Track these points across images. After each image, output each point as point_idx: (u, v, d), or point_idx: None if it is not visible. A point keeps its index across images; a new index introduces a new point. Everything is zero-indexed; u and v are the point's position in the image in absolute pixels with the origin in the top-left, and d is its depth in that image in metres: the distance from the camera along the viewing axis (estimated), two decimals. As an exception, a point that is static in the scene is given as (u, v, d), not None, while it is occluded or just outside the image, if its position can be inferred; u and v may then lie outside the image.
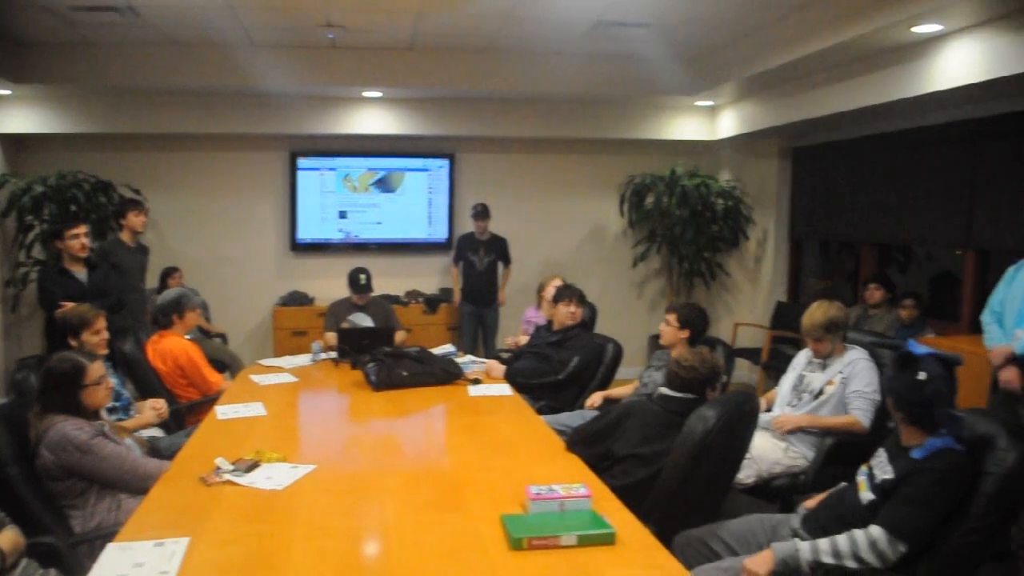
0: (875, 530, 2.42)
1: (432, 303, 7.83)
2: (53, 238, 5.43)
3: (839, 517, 2.61)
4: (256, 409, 3.85)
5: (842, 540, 2.46)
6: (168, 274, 7.03)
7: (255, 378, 4.62)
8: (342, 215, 8.02)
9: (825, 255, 8.12)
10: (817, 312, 3.88)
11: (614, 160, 8.28)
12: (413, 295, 7.94)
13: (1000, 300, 4.08)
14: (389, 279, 7.74)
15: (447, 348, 5.39)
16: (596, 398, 4.52)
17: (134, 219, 5.82)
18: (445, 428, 3.99)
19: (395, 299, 7.62)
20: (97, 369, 3.06)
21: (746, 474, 3.67)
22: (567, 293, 4.98)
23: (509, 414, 3.94)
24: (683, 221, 7.58)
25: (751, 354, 7.39)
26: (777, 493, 3.78)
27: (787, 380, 4.09)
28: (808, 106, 6.14)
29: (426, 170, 8.12)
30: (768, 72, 5.94)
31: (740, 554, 2.65)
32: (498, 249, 7.49)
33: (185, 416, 4.38)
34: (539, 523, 2.34)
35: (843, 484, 2.81)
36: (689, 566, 2.23)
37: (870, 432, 3.64)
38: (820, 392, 3.84)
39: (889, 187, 6.33)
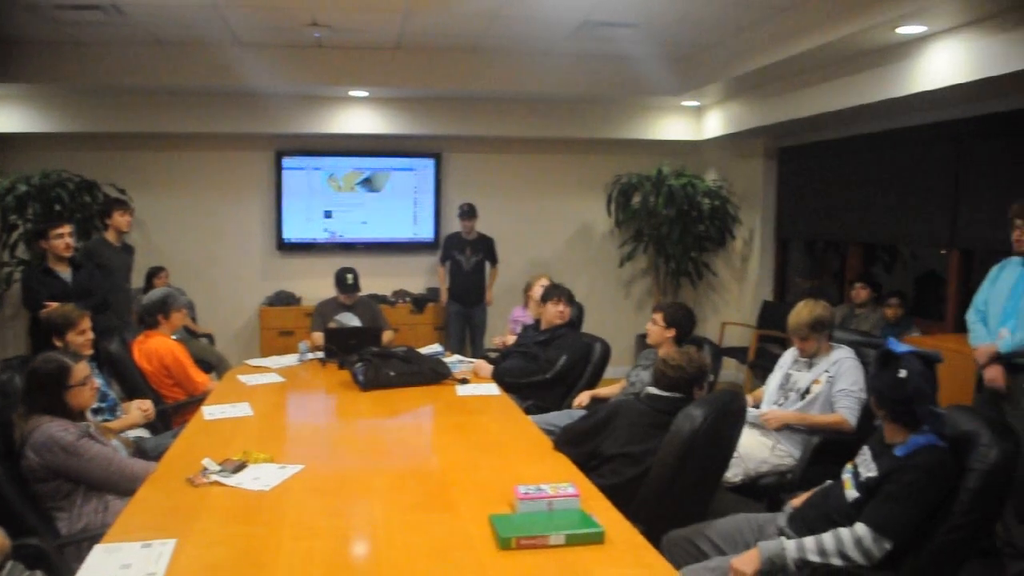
0: (860, 528, 2.44)
1: (419, 303, 7.82)
2: (37, 238, 5.39)
3: (825, 515, 2.62)
4: (243, 409, 3.83)
5: (828, 538, 2.47)
6: (154, 274, 6.99)
7: (242, 378, 4.61)
8: (328, 215, 8.00)
9: (811, 254, 8.16)
10: (803, 311, 3.89)
11: (601, 160, 8.29)
12: (400, 295, 7.93)
13: (984, 299, 4.11)
14: (376, 279, 7.72)
15: (435, 348, 5.38)
16: (584, 397, 4.52)
17: (119, 219, 5.79)
18: (433, 428, 3.98)
19: (382, 299, 7.61)
20: (82, 370, 3.04)
21: (733, 472, 3.69)
22: (555, 292, 4.99)
23: (497, 414, 3.94)
24: (670, 221, 7.60)
25: (738, 353, 7.42)
26: (764, 492, 3.79)
27: (774, 379, 4.11)
28: (794, 106, 6.17)
29: (412, 170, 8.11)
30: (754, 72, 5.97)
31: (727, 553, 2.66)
32: (485, 249, 7.49)
33: (171, 417, 4.36)
34: (527, 523, 2.34)
35: (829, 482, 2.82)
36: (677, 566, 2.23)
37: (857, 430, 3.66)
38: (807, 391, 3.85)
39: (874, 187, 6.37)
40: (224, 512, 2.54)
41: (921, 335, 5.58)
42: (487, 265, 7.55)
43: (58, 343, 3.82)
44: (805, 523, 2.67)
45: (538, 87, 7.06)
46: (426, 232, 8.18)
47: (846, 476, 2.69)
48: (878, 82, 5.21)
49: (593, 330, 5.17)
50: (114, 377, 4.44)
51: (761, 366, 6.63)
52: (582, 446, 3.16)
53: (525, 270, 7.57)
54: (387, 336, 5.68)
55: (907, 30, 4.65)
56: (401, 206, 8.14)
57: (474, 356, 6.17)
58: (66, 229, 5.14)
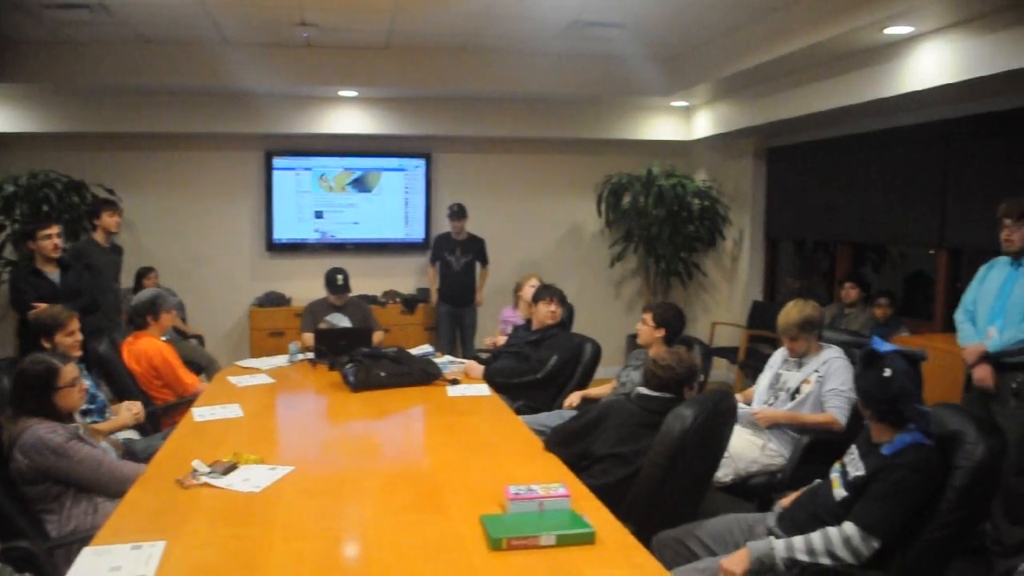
0: (848, 527, 2.45)
1: (410, 303, 7.81)
2: (25, 238, 5.37)
3: (813, 515, 2.64)
4: (233, 411, 3.82)
5: (816, 537, 2.48)
6: (143, 274, 6.96)
7: (232, 379, 4.59)
8: (318, 215, 7.98)
9: (801, 254, 8.18)
10: (793, 311, 3.91)
11: (591, 160, 8.30)
12: (391, 295, 7.92)
13: (973, 299, 4.14)
14: (366, 279, 7.71)
15: (425, 348, 5.38)
16: (574, 398, 4.52)
17: (108, 219, 5.76)
18: (424, 429, 3.98)
19: (373, 299, 7.60)
20: (71, 371, 3.03)
21: (724, 472, 3.70)
22: (547, 292, 5.00)
23: (488, 414, 3.94)
24: (660, 221, 7.61)
25: (728, 353, 7.44)
26: (755, 491, 3.80)
27: (764, 378, 4.12)
28: (782, 107, 6.20)
29: (402, 170, 8.10)
30: (743, 73, 5.99)
31: (717, 554, 2.67)
32: (475, 249, 7.49)
33: (161, 418, 4.35)
34: (518, 523, 2.34)
35: (817, 481, 2.83)
36: (667, 566, 2.24)
37: (847, 430, 3.67)
38: (796, 391, 3.87)
39: (863, 187, 6.40)
40: (214, 514, 2.54)
41: (910, 335, 5.60)
42: (477, 266, 7.54)
43: (46, 344, 3.80)
44: (794, 523, 2.68)
45: (528, 87, 7.07)
46: (417, 232, 8.18)
47: (834, 475, 2.70)
48: (866, 82, 5.24)
49: (583, 330, 5.18)
50: (103, 378, 4.42)
51: (751, 366, 6.65)
52: (573, 446, 3.16)
53: (515, 270, 7.57)
54: (377, 337, 5.67)
55: (895, 31, 4.68)
56: (391, 206, 8.13)
57: (465, 357, 6.17)
58: (54, 230, 5.11)
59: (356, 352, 4.44)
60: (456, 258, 7.39)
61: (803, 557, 2.46)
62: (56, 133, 7.10)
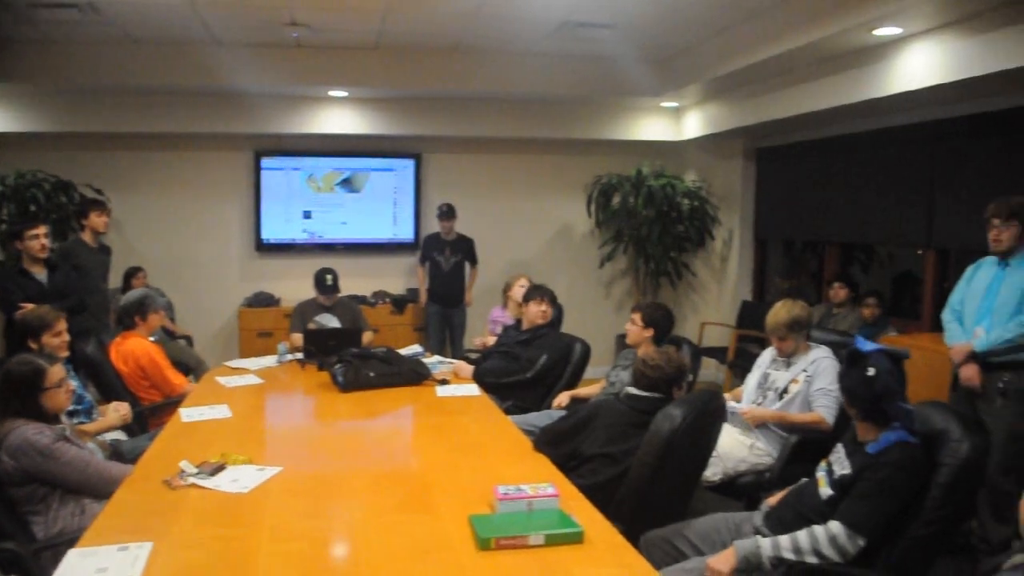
0: (834, 525, 2.46)
1: (399, 303, 7.80)
2: (12, 238, 5.33)
3: (800, 513, 2.65)
4: (221, 411, 3.81)
5: (802, 536, 2.49)
6: (132, 274, 6.93)
7: (220, 380, 4.58)
8: (307, 215, 7.96)
9: (790, 255, 8.21)
10: (781, 311, 3.92)
11: (581, 160, 8.30)
12: (380, 295, 7.91)
13: (960, 299, 4.16)
14: (356, 280, 7.69)
15: (415, 348, 5.38)
16: (563, 398, 4.53)
17: (96, 219, 5.73)
18: (413, 429, 3.98)
19: (362, 299, 7.59)
20: (57, 372, 3.01)
21: (712, 472, 3.71)
22: (538, 292, 5.00)
23: (477, 414, 3.93)
24: (649, 221, 7.62)
25: (717, 353, 7.46)
26: (743, 490, 3.82)
27: (752, 378, 4.13)
28: (772, 107, 6.22)
29: (392, 170, 8.09)
30: (733, 74, 6.00)
31: (705, 553, 2.67)
32: (464, 249, 7.48)
33: (148, 419, 4.33)
34: (507, 523, 2.34)
35: (804, 480, 2.84)
36: (655, 566, 2.24)
37: (835, 429, 3.68)
38: (785, 390, 3.88)
39: (852, 187, 6.42)
40: (202, 514, 2.53)
41: (898, 334, 5.63)
42: (466, 266, 7.54)
43: (33, 345, 3.78)
44: (781, 521, 2.69)
45: (518, 87, 7.07)
46: (406, 233, 8.17)
47: (820, 474, 2.72)
48: (855, 83, 5.26)
49: (573, 330, 5.18)
50: (90, 379, 4.40)
51: (740, 366, 6.66)
52: (562, 446, 3.17)
53: (505, 271, 7.57)
54: (367, 337, 5.66)
55: (884, 32, 4.70)
56: (381, 207, 8.12)
57: (454, 357, 6.16)
58: (41, 230, 5.09)
59: (345, 352, 4.44)
60: (445, 258, 7.39)
61: (789, 556, 2.46)
62: (44, 133, 7.05)
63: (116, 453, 3.44)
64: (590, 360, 4.90)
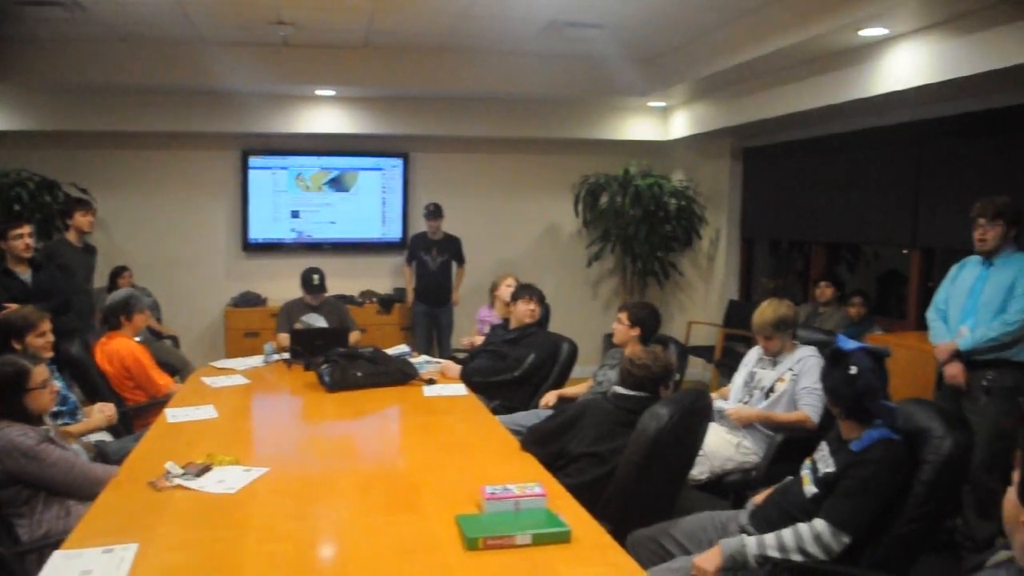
0: (819, 523, 2.47)
1: (387, 303, 7.79)
2: (-4, 238, 5.29)
3: (785, 512, 2.66)
4: (207, 412, 3.80)
5: (787, 534, 2.50)
6: (118, 273, 6.89)
7: (206, 380, 4.56)
8: (295, 215, 7.94)
9: (776, 254, 8.24)
10: (767, 310, 3.94)
11: (568, 160, 8.31)
12: (367, 295, 7.90)
13: (944, 297, 4.18)
14: (343, 279, 7.67)
15: (402, 348, 5.37)
16: (550, 397, 4.53)
17: (81, 219, 5.70)
18: (400, 429, 3.97)
19: (349, 299, 7.57)
20: (41, 373, 2.99)
21: (699, 470, 3.72)
22: (527, 291, 5.00)
23: (464, 414, 3.93)
24: (637, 221, 7.64)
25: (704, 352, 7.48)
26: (730, 489, 3.83)
27: (739, 377, 4.15)
28: (758, 107, 6.24)
29: (380, 169, 8.08)
30: (719, 74, 6.02)
31: (692, 552, 2.68)
32: (452, 249, 7.48)
33: (134, 420, 4.31)
34: (494, 523, 2.34)
35: (789, 479, 2.86)
36: (642, 565, 2.24)
37: (820, 428, 3.70)
38: (771, 389, 3.89)
39: (838, 187, 6.45)
40: (187, 516, 2.52)
41: (883, 333, 5.66)
42: (453, 265, 7.54)
43: (17, 346, 3.74)
44: (766, 520, 2.70)
45: (506, 87, 7.07)
46: (394, 232, 8.16)
47: (805, 472, 2.73)
48: (841, 84, 5.28)
49: (560, 330, 5.18)
50: (75, 380, 4.37)
51: (727, 365, 6.68)
52: (549, 446, 3.17)
53: (492, 270, 7.57)
54: (354, 337, 5.65)
55: (869, 33, 4.72)
56: (369, 206, 8.10)
57: (441, 357, 6.16)
58: (26, 229, 5.05)
59: (332, 352, 4.43)
60: (432, 258, 7.38)
61: (774, 554, 2.47)
62: (28, 131, 7.01)
63: (101, 454, 3.43)
64: (577, 359, 4.90)
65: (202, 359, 6.45)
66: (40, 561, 2.32)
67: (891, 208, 5.89)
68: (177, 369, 6.01)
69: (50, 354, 3.84)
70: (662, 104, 7.74)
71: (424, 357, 5.30)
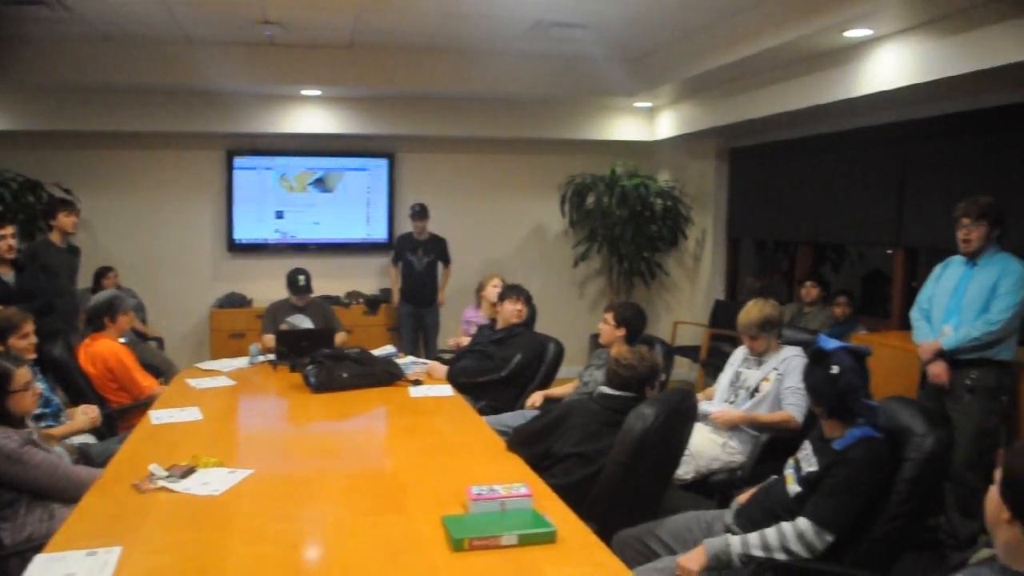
0: (802, 522, 2.49)
1: (373, 304, 7.78)
2: (-22, 239, 5.25)
3: (769, 511, 2.67)
4: (192, 414, 3.77)
5: (771, 533, 2.51)
6: (102, 274, 6.84)
7: (191, 382, 4.54)
8: (279, 215, 7.92)
9: (762, 254, 8.27)
10: (753, 310, 3.95)
11: (555, 160, 8.31)
12: (353, 296, 7.88)
13: (928, 297, 4.21)
14: (329, 280, 7.66)
15: (388, 349, 5.36)
16: (536, 398, 4.53)
17: (64, 219, 5.66)
18: (386, 430, 3.96)
19: (335, 300, 7.56)
20: (23, 374, 2.97)
21: (685, 470, 3.73)
22: (514, 291, 5.01)
23: (450, 415, 3.93)
24: (623, 221, 7.65)
25: (690, 352, 7.50)
26: (715, 488, 3.84)
27: (724, 377, 4.17)
28: (744, 108, 6.26)
29: (365, 170, 8.06)
30: (705, 74, 6.04)
31: (677, 552, 2.69)
32: (437, 249, 7.47)
33: (118, 421, 4.28)
34: (480, 523, 2.34)
35: (773, 478, 2.87)
36: (628, 565, 2.25)
37: (805, 427, 3.72)
38: (756, 389, 3.91)
39: (823, 188, 6.48)
40: (172, 518, 2.50)
41: (868, 333, 5.69)
42: (439, 266, 7.53)
43: (-1, 347, 3.73)
44: (750, 519, 2.71)
45: (492, 87, 7.07)
46: (379, 233, 8.14)
47: (788, 471, 2.74)
48: (826, 84, 5.31)
49: (547, 330, 5.19)
50: (58, 382, 4.34)
51: (713, 365, 6.70)
52: (535, 446, 3.17)
53: (479, 270, 7.56)
54: (340, 338, 5.64)
55: (854, 34, 4.75)
56: (354, 206, 8.08)
57: (427, 357, 6.15)
58: (8, 230, 5.02)
59: (318, 353, 4.41)
60: (418, 258, 7.37)
61: (758, 553, 2.48)
62: (11, 131, 6.95)
63: (85, 456, 3.41)
64: (564, 360, 4.91)
65: (187, 360, 6.43)
66: (23, 565, 2.30)
67: (875, 208, 5.92)
68: (162, 371, 5.97)
69: (33, 356, 3.82)
70: (648, 104, 7.75)
71: (410, 358, 5.29)
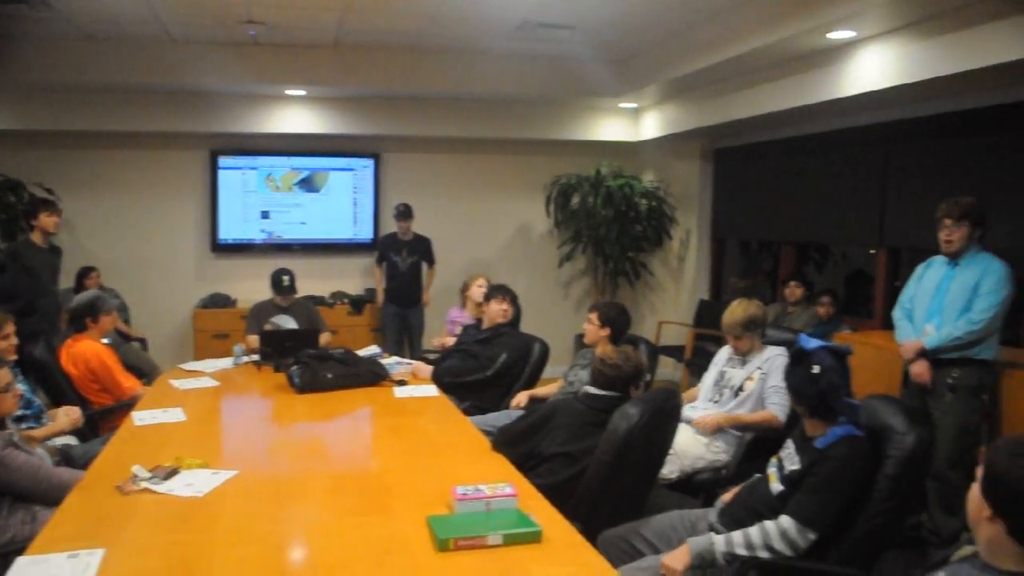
0: (785, 520, 2.50)
1: (357, 304, 7.76)
2: (-42, 240, 5.22)
3: (752, 509, 2.68)
4: (175, 415, 3.75)
5: (754, 532, 2.52)
6: (85, 274, 6.79)
7: (174, 382, 4.51)
8: (264, 215, 7.88)
9: (746, 254, 8.31)
10: (737, 310, 3.97)
11: (540, 160, 8.32)
12: (338, 296, 7.86)
13: (910, 296, 4.24)
14: (314, 280, 7.64)
15: (373, 349, 5.33)
16: (522, 398, 4.53)
17: (46, 219, 5.60)
18: (371, 430, 3.95)
19: (320, 300, 7.54)
20: (4, 376, 2.95)
21: (669, 469, 3.73)
22: (500, 291, 5.01)
23: (435, 415, 3.93)
24: (608, 221, 7.67)
25: (675, 352, 7.51)
26: (700, 487, 3.85)
27: (709, 376, 4.18)
28: (729, 109, 6.29)
29: (351, 170, 8.04)
30: (690, 75, 6.06)
31: (661, 551, 2.69)
32: (421, 250, 7.46)
33: (100, 423, 4.24)
34: (465, 523, 2.33)
35: (756, 476, 2.88)
36: (613, 565, 2.25)
37: (788, 426, 3.73)
38: (740, 388, 3.93)
39: (806, 188, 6.52)
40: (155, 520, 2.49)
41: (851, 332, 5.72)
42: (423, 266, 7.52)
43: (-20, 349, 3.70)
44: (734, 518, 2.72)
45: (477, 87, 7.07)
46: (365, 233, 8.12)
47: (771, 470, 2.76)
48: (810, 85, 5.33)
49: (532, 330, 5.19)
50: (39, 383, 4.30)
51: (698, 364, 6.72)
52: (520, 446, 3.17)
53: (464, 271, 7.53)
54: (325, 338, 5.62)
55: (837, 35, 4.77)
56: (340, 206, 8.06)
57: (412, 358, 6.14)
58: (-11, 231, 4.98)
59: (302, 354, 4.40)
60: (402, 258, 7.36)
61: (742, 551, 2.50)
62: (-8, 131, 6.91)
63: (67, 458, 3.38)
64: (549, 360, 4.91)
65: (171, 361, 6.38)
66: (4, 567, 2.28)
67: (858, 208, 5.96)
68: (145, 373, 5.94)
69: (14, 357, 3.79)
70: (633, 105, 7.77)
71: (395, 358, 5.29)
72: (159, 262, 7.71)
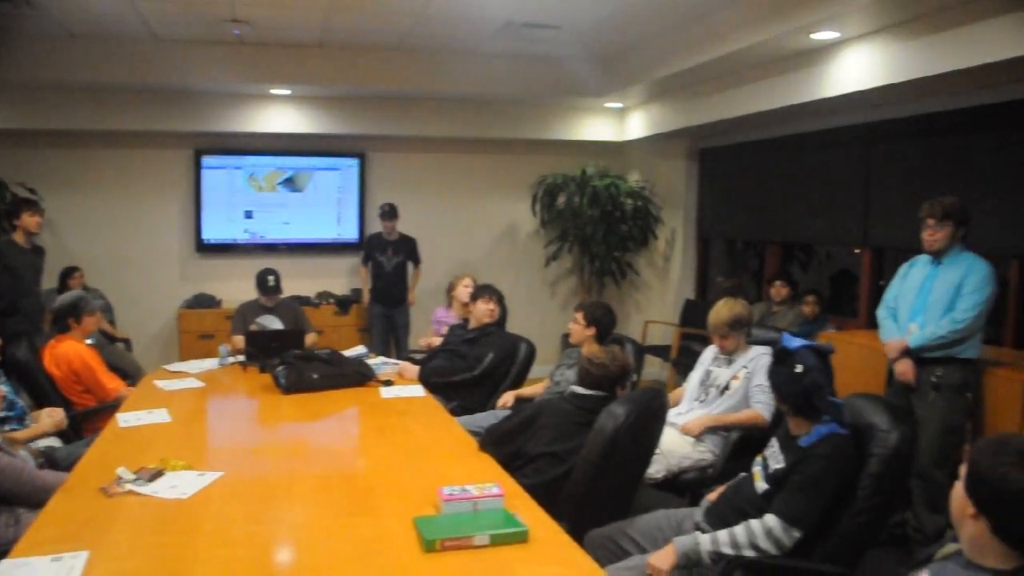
0: (770, 519, 2.51)
1: (343, 304, 7.74)
2: (-60, 240, 5.16)
3: (737, 508, 2.69)
4: (160, 416, 3.73)
5: (740, 530, 2.53)
6: (68, 274, 6.73)
7: (159, 383, 4.48)
8: (249, 215, 7.85)
9: (731, 254, 8.33)
10: (723, 310, 3.98)
11: (526, 160, 8.33)
12: (324, 296, 7.83)
13: (894, 296, 4.26)
14: (299, 280, 7.61)
15: (359, 350, 5.32)
16: (508, 398, 4.54)
17: (28, 219, 5.56)
18: (357, 431, 3.94)
19: (305, 300, 7.52)
20: (-13, 377, 2.93)
21: (656, 469, 3.74)
22: (486, 291, 5.01)
23: (422, 415, 3.92)
24: (594, 221, 7.68)
25: (661, 351, 7.53)
26: (687, 487, 3.86)
27: (695, 375, 4.19)
28: (714, 109, 6.30)
29: (336, 169, 8.02)
30: (675, 75, 6.07)
31: (648, 550, 2.70)
32: (407, 249, 7.45)
33: (84, 424, 4.21)
34: (452, 524, 2.33)
35: (741, 475, 2.89)
36: (600, 564, 2.25)
37: (773, 424, 3.75)
38: (726, 387, 3.94)
39: (792, 188, 6.55)
40: (139, 522, 2.47)
41: (836, 331, 5.75)
42: (409, 266, 7.51)
43: (-38, 350, 3.67)
44: (720, 517, 2.73)
45: (463, 87, 7.07)
46: (350, 232, 8.10)
47: (756, 469, 2.77)
48: (794, 86, 5.36)
49: (518, 330, 5.20)
50: (22, 385, 4.27)
51: (684, 364, 6.73)
52: (506, 446, 3.17)
53: (449, 270, 7.52)
54: (310, 338, 5.60)
55: (821, 36, 4.80)
56: (324, 206, 8.04)
57: (398, 358, 6.13)
58: (-30, 231, 4.94)
59: (288, 354, 4.38)
60: (388, 258, 7.35)
61: (727, 550, 2.51)
62: (-27, 130, 6.85)
63: (50, 460, 3.35)
64: (535, 359, 4.92)
65: (155, 362, 6.34)
66: (-13, 571, 2.27)
67: (843, 208, 5.99)
68: (129, 374, 5.90)
69: (-3, 358, 3.76)
70: (619, 105, 7.79)
71: (381, 358, 5.28)
72: (143, 262, 7.66)
